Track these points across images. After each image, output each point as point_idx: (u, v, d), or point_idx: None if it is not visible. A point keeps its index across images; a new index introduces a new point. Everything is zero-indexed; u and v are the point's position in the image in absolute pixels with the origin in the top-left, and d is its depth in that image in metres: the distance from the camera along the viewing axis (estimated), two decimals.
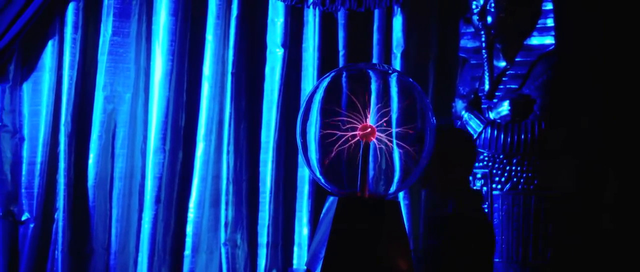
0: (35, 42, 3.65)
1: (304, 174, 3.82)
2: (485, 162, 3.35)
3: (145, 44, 3.75)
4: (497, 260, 3.32)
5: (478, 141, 3.38)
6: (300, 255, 3.84)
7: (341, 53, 3.88)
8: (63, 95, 3.62)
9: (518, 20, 3.42)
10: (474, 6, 3.48)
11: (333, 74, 3.26)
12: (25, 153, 3.62)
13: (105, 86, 3.68)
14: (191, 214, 3.71)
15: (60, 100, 3.63)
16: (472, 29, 3.57)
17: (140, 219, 3.69)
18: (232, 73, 3.76)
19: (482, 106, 3.45)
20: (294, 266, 3.81)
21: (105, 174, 3.69)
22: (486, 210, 3.36)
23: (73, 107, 3.62)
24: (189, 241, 3.70)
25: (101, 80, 3.67)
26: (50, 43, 3.65)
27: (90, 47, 3.71)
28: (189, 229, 3.70)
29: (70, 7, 3.63)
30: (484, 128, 3.37)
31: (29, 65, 3.65)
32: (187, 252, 3.69)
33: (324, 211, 3.10)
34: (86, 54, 3.70)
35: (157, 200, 3.64)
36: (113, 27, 3.69)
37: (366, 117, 3.16)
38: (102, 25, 3.70)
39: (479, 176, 3.36)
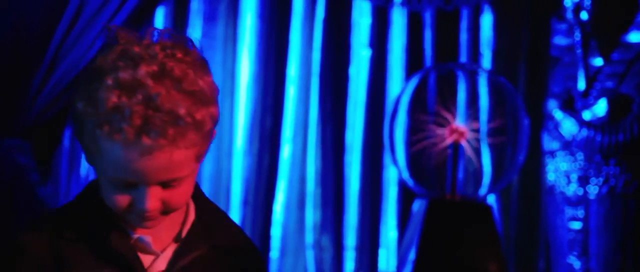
0: None
1: (390, 176, 3.78)
2: (580, 164, 3.24)
3: (232, 47, 3.79)
4: (593, 266, 3.21)
5: (573, 142, 3.27)
6: (387, 258, 3.79)
7: (428, 53, 3.82)
8: None
9: (615, 16, 3.29)
10: (567, 2, 3.37)
11: (421, 74, 3.22)
12: None
13: None
14: (278, 217, 3.72)
15: None
16: (565, 26, 3.47)
17: None
18: (317, 75, 3.76)
19: (577, 106, 3.34)
20: (381, 269, 3.77)
21: None
22: (581, 214, 3.24)
23: None
24: (276, 243, 3.70)
25: None
26: None
27: None
28: (276, 231, 3.71)
29: (159, 12, 3.70)
30: (579, 128, 3.26)
31: None
32: (275, 254, 3.70)
33: (412, 213, 3.05)
34: None
35: (245, 202, 3.67)
36: (200, 30, 3.74)
37: (455, 117, 3.11)
38: (190, 29, 3.75)
39: (574, 178, 3.25)
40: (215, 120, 1.27)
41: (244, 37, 3.74)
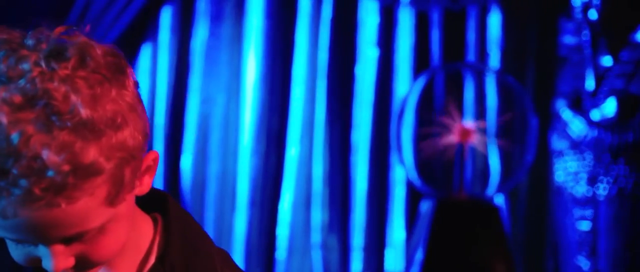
0: (131, 46, 3.72)
1: (398, 177, 3.76)
2: (589, 164, 3.22)
3: (239, 47, 3.78)
4: (602, 266, 3.18)
5: (582, 142, 3.25)
6: (394, 258, 3.78)
7: (436, 52, 3.80)
8: (158, 99, 3.68)
9: (624, 15, 3.27)
10: (576, 1, 3.35)
11: (428, 74, 3.20)
12: None
13: (199, 89, 3.72)
14: (285, 217, 3.71)
15: (155, 104, 3.69)
16: (573, 25, 3.44)
17: (233, 221, 3.71)
18: (324, 74, 3.75)
19: (585, 105, 3.32)
20: (388, 270, 3.75)
21: (200, 177, 3.73)
22: (590, 215, 3.22)
23: (169, 110, 3.67)
24: (282, 243, 3.69)
25: (195, 83, 3.72)
26: (145, 47, 3.72)
27: (185, 50, 3.76)
28: (283, 231, 3.70)
29: (165, 11, 3.69)
30: (588, 128, 3.23)
31: None
32: (282, 254, 3.69)
33: (421, 213, 3.04)
34: (181, 58, 3.76)
35: (252, 202, 3.66)
36: (206, 30, 3.73)
37: (463, 117, 3.09)
38: (196, 29, 3.74)
39: (582, 178, 3.23)
40: (129, 150, 0.89)
41: (250, 37, 3.73)
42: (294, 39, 3.78)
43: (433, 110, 3.27)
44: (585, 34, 3.32)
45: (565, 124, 3.36)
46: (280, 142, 3.77)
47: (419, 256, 2.87)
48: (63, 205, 0.84)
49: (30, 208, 0.83)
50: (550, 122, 3.52)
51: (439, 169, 3.10)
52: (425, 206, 2.99)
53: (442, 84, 3.64)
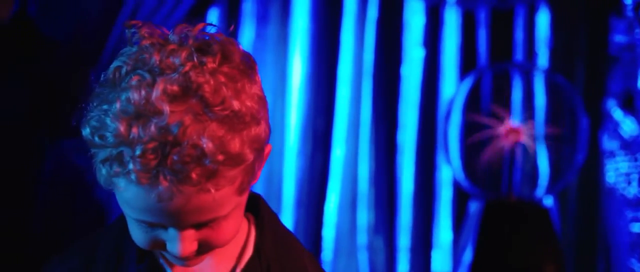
0: None
1: (444, 177, 3.74)
2: None
3: (284, 48, 3.79)
4: None
5: (633, 142, 3.19)
6: (440, 259, 3.75)
7: (483, 52, 3.77)
8: None
9: None
10: None
11: (475, 74, 3.17)
12: None
13: None
14: (331, 217, 3.70)
15: None
16: (624, 23, 3.38)
17: None
18: (370, 75, 3.74)
19: (637, 105, 3.26)
20: (435, 271, 3.73)
21: None
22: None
23: None
24: (328, 244, 3.69)
25: None
26: None
27: None
28: (329, 232, 3.70)
29: (212, 13, 3.72)
30: None
31: None
32: (328, 255, 3.68)
33: (468, 214, 3.01)
34: None
35: (298, 203, 3.66)
36: (253, 31, 3.75)
37: (511, 117, 3.05)
38: (242, 30, 3.76)
39: (634, 179, 3.17)
40: (262, 142, 0.97)
41: (296, 38, 3.74)
42: (340, 40, 3.78)
43: (480, 111, 3.24)
44: (637, 33, 3.26)
45: (616, 124, 3.30)
46: (326, 143, 3.76)
47: (466, 257, 2.85)
48: (212, 190, 0.92)
49: (185, 192, 0.90)
50: (600, 122, 3.47)
51: (487, 170, 3.07)
52: (473, 207, 2.96)
53: (490, 84, 3.61)
